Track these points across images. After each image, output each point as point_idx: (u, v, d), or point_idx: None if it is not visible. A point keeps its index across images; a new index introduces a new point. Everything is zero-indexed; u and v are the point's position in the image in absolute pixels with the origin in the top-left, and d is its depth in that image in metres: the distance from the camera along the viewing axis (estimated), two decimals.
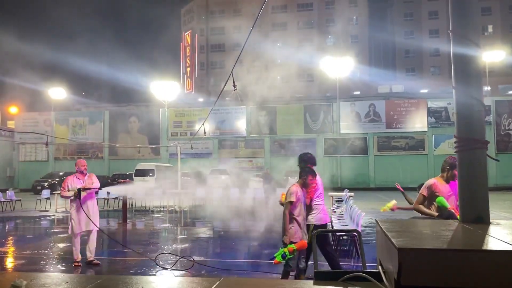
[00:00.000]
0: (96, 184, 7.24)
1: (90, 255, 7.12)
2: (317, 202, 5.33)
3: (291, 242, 4.86)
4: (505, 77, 43.32)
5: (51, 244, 9.71)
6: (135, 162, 28.18)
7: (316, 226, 5.17)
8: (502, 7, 49.08)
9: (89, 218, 7.02)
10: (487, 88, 34.00)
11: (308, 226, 5.18)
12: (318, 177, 5.36)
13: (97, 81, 48.11)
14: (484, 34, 47.45)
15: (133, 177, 25.99)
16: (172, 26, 60.41)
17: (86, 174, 7.25)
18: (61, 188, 7.18)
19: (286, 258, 4.69)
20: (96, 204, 7.40)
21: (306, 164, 5.44)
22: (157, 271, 6.63)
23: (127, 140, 33.30)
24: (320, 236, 5.14)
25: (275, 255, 4.80)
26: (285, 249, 4.68)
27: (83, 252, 7.22)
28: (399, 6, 53.54)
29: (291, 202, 5.01)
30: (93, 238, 7.17)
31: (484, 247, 1.46)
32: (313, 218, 5.27)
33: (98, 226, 7.19)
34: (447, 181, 4.72)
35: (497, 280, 1.27)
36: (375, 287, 1.62)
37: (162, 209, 16.84)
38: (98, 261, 7.20)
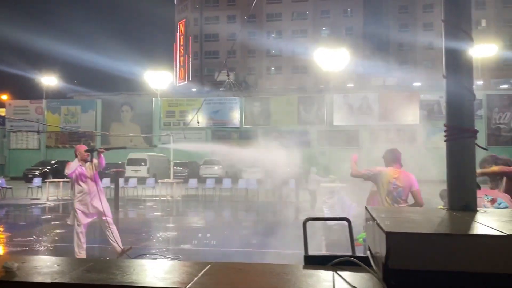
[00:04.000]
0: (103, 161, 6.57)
1: (118, 245, 6.28)
2: None
3: None
4: (497, 71, 43.52)
5: (43, 231, 9.69)
6: (128, 151, 27.98)
7: None
8: (496, 1, 49.14)
9: (100, 205, 6.13)
10: (479, 82, 34.14)
11: None
12: None
13: (90, 70, 47.64)
14: (478, 28, 47.53)
15: (126, 166, 25.90)
16: (166, 15, 59.85)
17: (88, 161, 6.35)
18: (66, 168, 6.28)
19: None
20: (103, 188, 6.67)
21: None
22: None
23: (120, 129, 33.05)
24: None
25: (357, 237, 4.66)
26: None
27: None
28: None
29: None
30: (112, 227, 6.27)
31: (471, 232, 1.48)
32: None
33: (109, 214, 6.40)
34: None
35: (482, 264, 1.30)
36: (364, 271, 1.64)
37: (154, 198, 16.84)
38: (129, 247, 6.42)
